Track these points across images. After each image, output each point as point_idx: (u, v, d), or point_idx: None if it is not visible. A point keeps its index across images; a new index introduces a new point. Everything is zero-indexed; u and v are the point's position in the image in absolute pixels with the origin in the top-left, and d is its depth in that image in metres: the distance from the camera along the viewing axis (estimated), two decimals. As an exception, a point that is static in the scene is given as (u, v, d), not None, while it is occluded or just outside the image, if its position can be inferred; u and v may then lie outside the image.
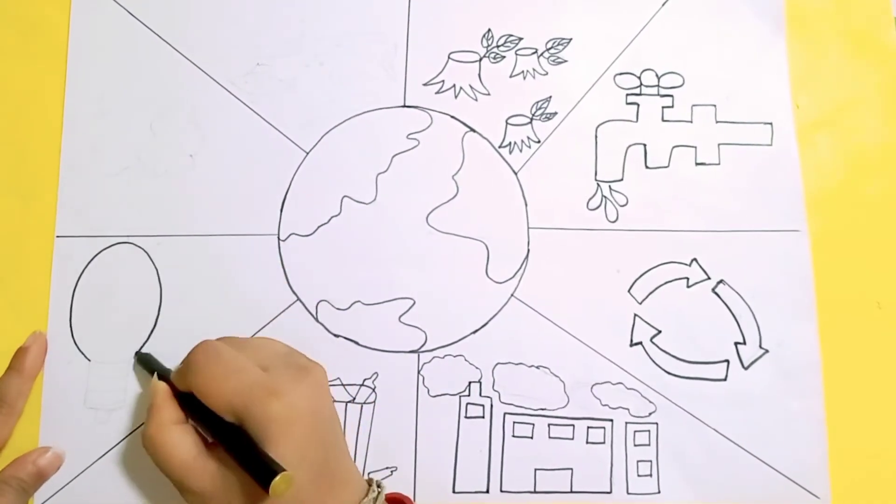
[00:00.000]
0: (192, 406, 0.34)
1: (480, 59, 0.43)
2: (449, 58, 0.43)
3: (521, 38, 0.43)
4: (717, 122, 0.42)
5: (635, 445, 0.39)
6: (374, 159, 0.42)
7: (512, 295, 0.40)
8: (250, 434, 0.31)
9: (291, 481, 0.29)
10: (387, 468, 0.39)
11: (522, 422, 0.39)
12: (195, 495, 0.32)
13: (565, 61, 0.43)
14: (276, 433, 0.30)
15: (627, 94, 0.42)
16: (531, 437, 0.39)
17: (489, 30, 0.43)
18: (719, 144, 0.42)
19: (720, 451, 0.39)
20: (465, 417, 0.39)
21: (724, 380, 0.40)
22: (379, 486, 0.34)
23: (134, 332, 0.40)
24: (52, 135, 0.42)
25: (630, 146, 0.42)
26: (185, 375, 0.34)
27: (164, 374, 0.36)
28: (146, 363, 0.38)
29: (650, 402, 0.39)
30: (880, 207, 0.41)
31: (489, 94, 0.42)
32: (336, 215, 0.41)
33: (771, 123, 0.42)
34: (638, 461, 0.39)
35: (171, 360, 0.40)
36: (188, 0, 0.43)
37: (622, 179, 0.42)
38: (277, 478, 0.28)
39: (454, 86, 0.42)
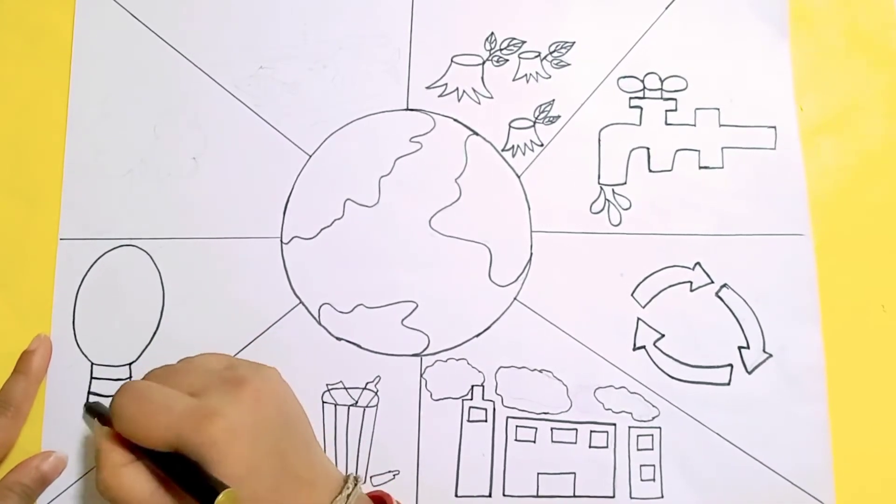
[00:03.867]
0: (134, 445, 0.32)
1: (483, 63, 0.43)
2: (452, 61, 0.43)
3: (524, 42, 0.43)
4: (720, 125, 0.42)
5: (638, 450, 0.39)
6: (377, 162, 0.42)
7: (515, 298, 0.40)
8: (193, 461, 0.30)
9: (236, 497, 0.28)
10: (389, 472, 0.39)
11: (525, 426, 0.39)
12: None
13: (568, 64, 0.43)
14: (217, 454, 0.30)
15: (631, 98, 0.42)
16: (534, 441, 0.39)
17: (492, 33, 0.43)
18: (723, 148, 0.42)
19: (724, 455, 0.39)
20: (468, 421, 0.39)
21: (728, 384, 0.39)
22: (356, 482, 0.34)
23: (137, 334, 0.40)
24: (55, 137, 0.42)
25: (633, 150, 0.42)
26: (113, 420, 0.32)
27: (107, 418, 0.35)
28: (93, 411, 0.37)
29: (653, 406, 0.39)
30: (884, 210, 0.41)
31: (492, 98, 0.42)
32: (339, 218, 0.41)
33: (774, 127, 0.42)
34: (641, 465, 0.39)
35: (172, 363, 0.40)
36: (192, 3, 0.43)
37: (625, 183, 0.41)
38: (220, 496, 0.28)
39: (457, 89, 0.42)
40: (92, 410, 0.37)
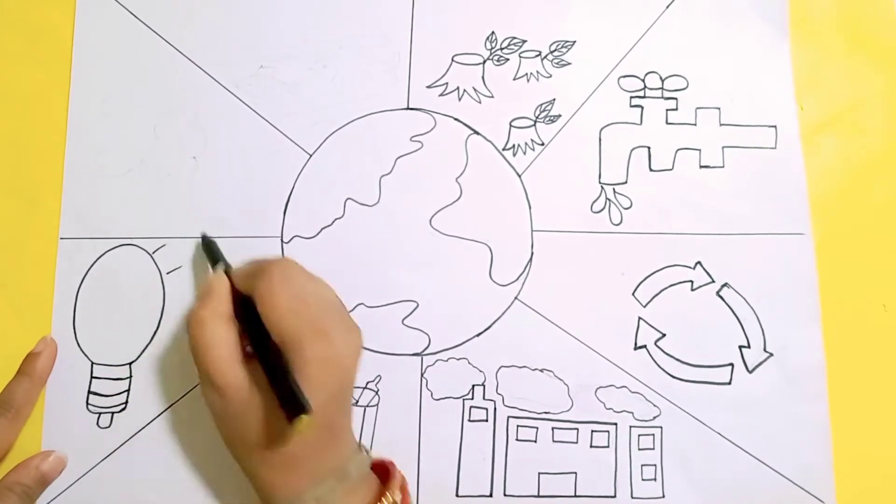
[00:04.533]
0: (245, 311, 0.34)
1: (484, 62, 0.43)
2: (452, 60, 0.43)
3: (524, 41, 0.43)
4: (721, 124, 0.42)
5: (639, 449, 0.39)
6: (378, 162, 0.42)
7: (516, 298, 0.40)
8: (290, 363, 0.31)
9: (315, 425, 0.29)
10: (390, 472, 0.39)
11: (526, 425, 0.39)
12: (215, 393, 0.32)
13: (569, 64, 0.43)
14: (315, 374, 0.31)
15: (631, 97, 0.42)
16: (535, 441, 0.39)
17: (493, 32, 0.43)
18: (723, 147, 0.42)
19: (724, 454, 0.39)
20: (469, 421, 0.39)
21: (729, 383, 0.39)
22: (367, 452, 0.35)
23: (137, 334, 0.40)
24: (56, 137, 0.42)
25: (634, 149, 0.42)
26: (252, 278, 0.34)
27: (227, 269, 0.36)
28: (210, 249, 0.39)
29: (654, 405, 0.39)
30: (885, 209, 0.41)
31: (493, 97, 0.42)
32: (339, 218, 0.41)
33: (775, 126, 0.42)
34: (642, 465, 0.39)
35: (173, 364, 0.40)
36: (192, 3, 0.43)
37: (626, 182, 0.41)
38: (305, 417, 0.29)
39: (458, 88, 0.42)
40: (209, 249, 0.38)
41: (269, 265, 0.34)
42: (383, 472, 0.35)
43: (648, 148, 0.42)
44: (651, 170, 0.42)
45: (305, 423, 0.29)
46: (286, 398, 0.30)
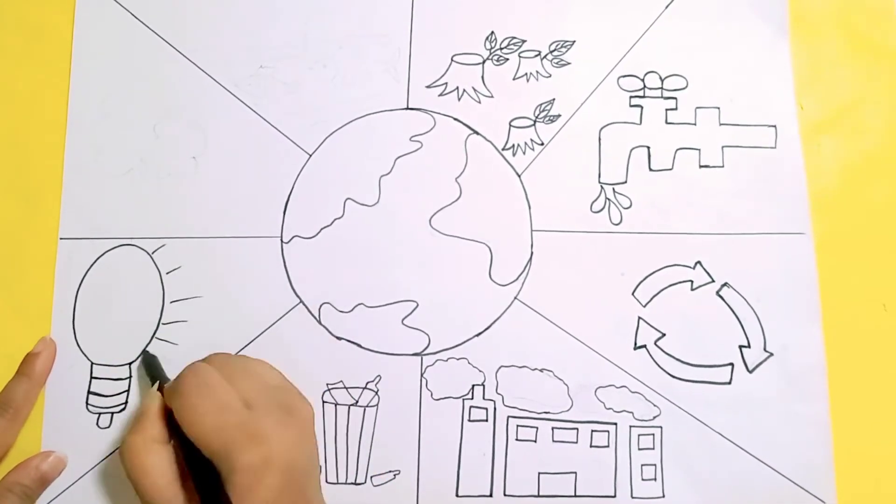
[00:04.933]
0: (175, 427, 0.33)
1: (484, 62, 0.43)
2: (452, 60, 0.43)
3: (524, 41, 0.43)
4: (720, 124, 0.42)
5: (639, 449, 0.39)
6: (378, 161, 0.42)
7: (515, 298, 0.40)
8: (222, 475, 0.30)
9: None
10: (389, 472, 0.39)
11: (526, 425, 0.39)
12: None
13: (569, 63, 0.43)
14: (247, 484, 0.30)
15: (631, 97, 0.42)
16: (535, 441, 0.39)
17: (492, 32, 0.43)
18: (723, 147, 0.42)
19: (725, 454, 0.39)
20: (469, 421, 0.39)
21: (729, 383, 0.39)
22: None
23: (136, 334, 0.40)
24: (55, 137, 0.42)
25: (633, 148, 0.42)
26: (171, 396, 0.33)
27: (162, 385, 0.36)
28: (150, 367, 0.38)
29: (654, 405, 0.39)
30: (885, 209, 0.41)
31: (492, 97, 0.42)
32: (339, 217, 0.41)
33: (775, 126, 0.42)
34: (642, 465, 0.39)
35: (172, 363, 0.40)
36: (192, 3, 0.43)
37: (626, 182, 0.41)
38: None
39: (457, 88, 0.42)
40: (149, 367, 0.37)
41: (181, 377, 0.33)
42: None
43: (648, 148, 0.42)
44: (651, 169, 0.42)
45: None
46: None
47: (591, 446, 0.39)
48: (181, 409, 0.32)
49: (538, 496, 0.38)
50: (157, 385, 0.36)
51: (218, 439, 0.31)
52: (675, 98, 0.42)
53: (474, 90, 0.42)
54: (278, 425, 0.32)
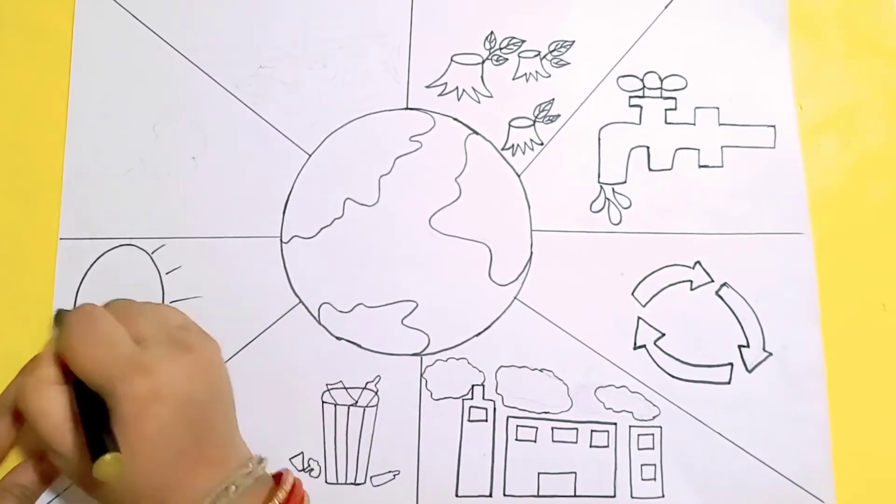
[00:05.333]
0: (68, 370, 0.33)
1: (483, 62, 0.43)
2: (452, 60, 0.43)
3: (523, 41, 0.43)
4: (720, 124, 0.42)
5: (639, 449, 0.39)
6: (377, 161, 0.42)
7: (515, 298, 0.40)
8: (109, 409, 0.30)
9: (121, 463, 0.28)
10: (389, 472, 0.39)
11: (526, 425, 0.39)
12: (58, 457, 0.32)
13: (568, 63, 0.43)
14: (133, 412, 0.30)
15: (630, 97, 0.42)
16: (534, 441, 0.39)
17: (492, 32, 0.43)
18: (722, 147, 0.42)
19: (724, 454, 0.39)
20: (468, 421, 0.39)
21: (728, 383, 0.39)
22: (260, 461, 0.33)
23: (136, 334, 0.40)
24: (55, 137, 0.42)
25: (633, 148, 0.42)
26: (60, 334, 0.33)
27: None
28: (58, 320, 0.37)
29: (654, 405, 0.39)
30: (884, 209, 0.41)
31: (492, 97, 0.42)
32: (339, 217, 0.41)
33: (774, 126, 0.42)
34: (642, 465, 0.39)
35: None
36: (191, 3, 0.43)
37: (625, 182, 0.41)
38: (106, 455, 0.28)
39: (457, 88, 0.42)
40: (58, 319, 0.37)
41: (66, 316, 0.33)
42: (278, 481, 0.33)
43: (647, 147, 0.42)
44: (650, 169, 0.42)
45: (108, 465, 0.28)
46: (92, 443, 0.29)
47: (590, 446, 0.39)
48: (67, 347, 0.32)
49: (538, 496, 0.38)
50: (53, 332, 0.36)
51: (102, 372, 0.31)
52: (674, 98, 0.42)
53: (474, 90, 0.42)
54: (169, 359, 0.32)
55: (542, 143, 0.42)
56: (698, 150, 0.42)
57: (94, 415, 0.31)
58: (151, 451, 0.30)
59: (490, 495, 0.38)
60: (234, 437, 0.35)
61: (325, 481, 0.38)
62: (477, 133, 0.42)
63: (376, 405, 0.39)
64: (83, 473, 0.31)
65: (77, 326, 0.33)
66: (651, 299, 0.40)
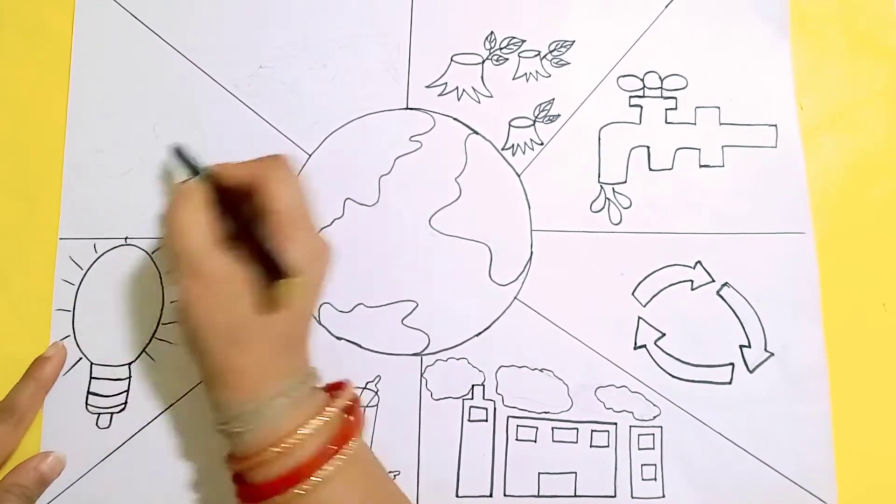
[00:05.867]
0: (227, 199, 0.34)
1: (483, 62, 0.43)
2: (452, 60, 0.43)
3: (523, 41, 0.43)
4: (720, 124, 0.42)
5: (639, 449, 0.39)
6: (377, 161, 0.42)
7: (515, 297, 0.40)
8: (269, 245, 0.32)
9: (301, 290, 0.30)
10: (389, 472, 0.38)
11: (526, 425, 0.39)
12: (193, 280, 0.32)
13: (568, 63, 0.43)
14: (310, 258, 0.32)
15: (631, 97, 0.42)
16: (535, 441, 0.39)
17: (492, 32, 0.43)
18: (723, 146, 0.42)
19: (725, 454, 0.39)
20: (469, 421, 0.39)
21: (729, 383, 0.39)
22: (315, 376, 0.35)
23: (136, 334, 0.40)
24: (55, 137, 0.42)
25: (633, 148, 0.42)
26: (250, 167, 0.34)
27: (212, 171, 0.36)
28: (183, 156, 0.37)
29: (654, 405, 0.39)
30: (885, 209, 0.41)
31: (492, 97, 0.42)
32: (339, 217, 0.41)
33: (775, 125, 0.42)
34: (642, 465, 0.39)
35: (172, 363, 0.40)
36: (191, 3, 0.43)
37: (625, 182, 0.41)
38: (294, 279, 0.29)
39: (457, 88, 0.42)
40: (183, 157, 0.37)
41: (272, 157, 0.34)
42: (338, 388, 0.35)
43: (648, 147, 0.42)
44: (650, 169, 0.42)
45: (291, 285, 0.29)
46: (277, 262, 0.30)
47: (591, 446, 0.39)
48: (273, 174, 0.33)
49: (538, 496, 0.38)
50: (189, 169, 0.36)
51: (299, 214, 0.33)
52: (674, 98, 0.42)
53: (474, 90, 0.42)
54: (325, 241, 0.35)
55: (542, 143, 0.42)
56: (699, 149, 0.42)
57: (268, 241, 0.32)
58: (306, 300, 0.32)
59: (490, 495, 0.38)
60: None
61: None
62: (477, 133, 0.42)
63: (377, 405, 0.39)
64: (216, 301, 0.31)
65: (284, 165, 0.34)
66: (651, 299, 0.40)
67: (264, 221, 0.33)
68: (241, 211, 0.33)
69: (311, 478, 0.31)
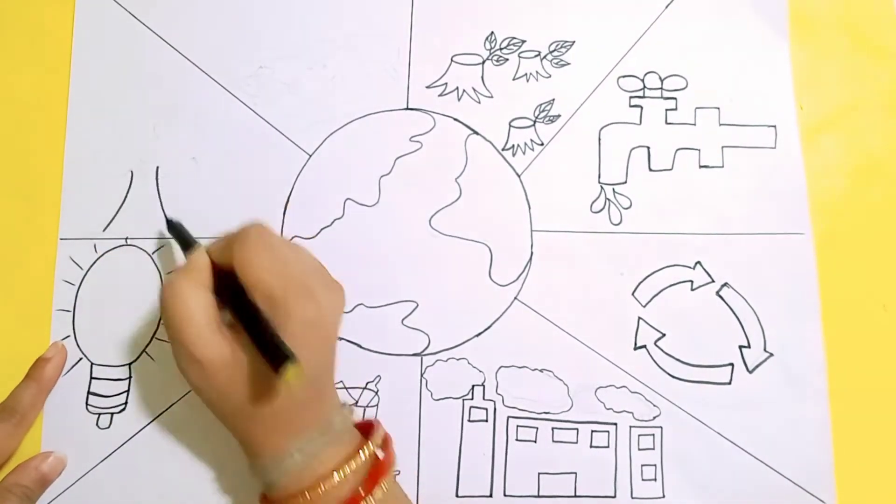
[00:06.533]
0: (224, 283, 0.33)
1: (483, 62, 0.43)
2: (452, 60, 0.43)
3: (524, 41, 0.43)
4: (720, 124, 0.42)
5: (639, 449, 0.39)
6: (377, 162, 0.42)
7: (515, 298, 0.40)
8: (274, 323, 0.31)
9: (303, 375, 0.29)
10: (389, 472, 0.39)
11: (526, 425, 0.39)
12: (195, 366, 0.31)
13: (568, 64, 0.43)
14: (300, 333, 0.31)
15: (631, 97, 0.42)
16: (535, 441, 0.39)
17: (492, 32, 0.43)
18: (723, 147, 0.42)
19: (725, 455, 0.39)
20: (469, 421, 0.39)
21: (729, 383, 0.39)
22: (351, 409, 0.36)
23: (136, 334, 0.40)
24: (55, 137, 0.42)
25: (633, 149, 0.42)
26: (229, 248, 0.33)
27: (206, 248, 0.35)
28: (178, 232, 0.38)
29: (654, 405, 0.39)
30: (884, 209, 0.41)
31: (492, 97, 0.42)
32: (339, 218, 0.41)
33: (775, 126, 0.42)
34: (642, 465, 0.39)
35: (172, 365, 0.40)
36: (191, 3, 0.43)
37: (626, 182, 0.41)
38: (292, 366, 0.28)
39: (457, 88, 0.42)
40: (178, 232, 0.38)
41: (244, 231, 0.33)
42: (368, 429, 0.35)
43: (648, 148, 0.42)
44: (650, 170, 0.42)
45: (293, 374, 0.28)
46: (272, 351, 0.29)
47: (591, 446, 0.39)
48: (245, 255, 0.32)
49: (538, 496, 0.38)
50: (198, 247, 0.35)
51: (281, 288, 0.31)
52: (674, 98, 0.42)
53: (474, 90, 0.42)
54: (327, 290, 0.33)
55: (542, 144, 0.42)
56: (699, 150, 0.42)
57: (262, 325, 0.31)
58: (305, 372, 0.31)
59: (490, 495, 0.38)
60: (333, 380, 0.36)
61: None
62: (477, 133, 0.42)
63: (377, 405, 0.39)
64: (220, 385, 0.31)
65: (259, 239, 0.33)
66: (651, 299, 0.40)
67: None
68: (236, 290, 0.33)
69: None
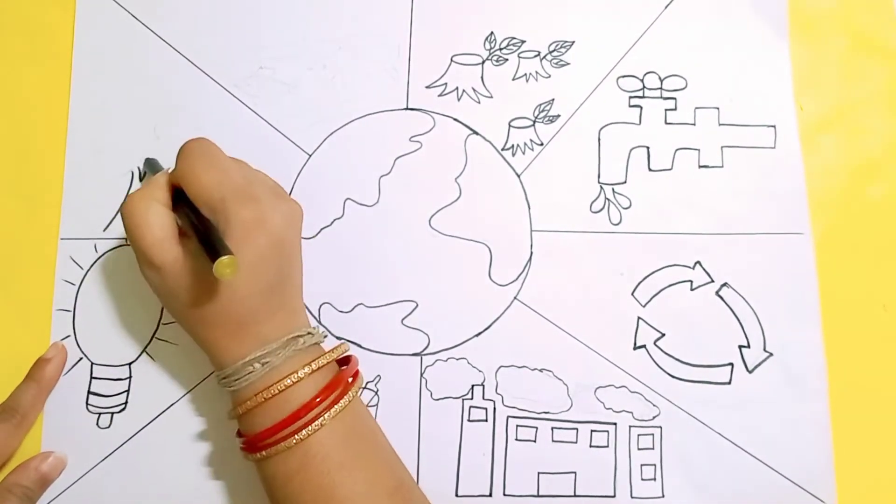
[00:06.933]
0: (179, 197, 0.35)
1: (483, 62, 0.43)
2: (452, 60, 0.43)
3: (523, 41, 0.43)
4: (720, 124, 0.42)
5: (639, 449, 0.39)
6: (377, 162, 0.42)
7: (515, 298, 0.40)
8: (220, 230, 0.32)
9: (236, 266, 0.30)
10: (389, 472, 0.39)
11: (526, 425, 0.39)
12: (153, 271, 0.34)
13: (568, 64, 0.43)
14: (240, 235, 0.32)
15: (630, 97, 0.42)
16: (534, 441, 0.39)
17: (492, 32, 0.43)
18: (722, 147, 0.42)
19: (724, 455, 0.39)
20: (468, 421, 0.39)
21: (729, 383, 0.39)
22: (324, 334, 0.36)
23: (137, 334, 0.40)
24: (56, 137, 0.42)
25: (633, 149, 0.42)
26: (178, 158, 0.35)
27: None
28: (153, 166, 0.40)
29: (654, 405, 0.39)
30: (884, 209, 0.41)
31: (492, 97, 0.42)
32: (339, 218, 0.41)
33: (774, 126, 0.42)
34: (642, 465, 0.39)
35: (173, 365, 0.40)
36: (192, 3, 0.43)
37: (625, 182, 0.41)
38: (224, 257, 0.29)
39: (457, 88, 0.42)
40: (151, 165, 0.40)
41: (186, 146, 0.35)
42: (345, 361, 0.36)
43: (647, 148, 0.42)
44: (650, 170, 0.42)
45: (224, 265, 0.29)
46: (209, 251, 0.31)
47: (590, 446, 0.39)
48: (185, 169, 0.34)
49: (538, 496, 0.38)
50: (164, 169, 0.37)
51: (218, 195, 0.33)
52: (674, 98, 0.42)
53: (474, 90, 0.42)
54: (271, 198, 0.34)
55: (541, 144, 0.42)
56: (698, 150, 0.42)
57: (207, 229, 0.32)
58: (248, 277, 0.32)
59: (490, 495, 0.38)
60: (302, 299, 0.37)
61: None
62: (477, 133, 0.42)
63: (376, 405, 0.39)
64: (176, 287, 0.33)
65: (198, 152, 0.34)
66: (651, 299, 0.40)
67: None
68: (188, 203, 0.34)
69: (306, 429, 0.32)
